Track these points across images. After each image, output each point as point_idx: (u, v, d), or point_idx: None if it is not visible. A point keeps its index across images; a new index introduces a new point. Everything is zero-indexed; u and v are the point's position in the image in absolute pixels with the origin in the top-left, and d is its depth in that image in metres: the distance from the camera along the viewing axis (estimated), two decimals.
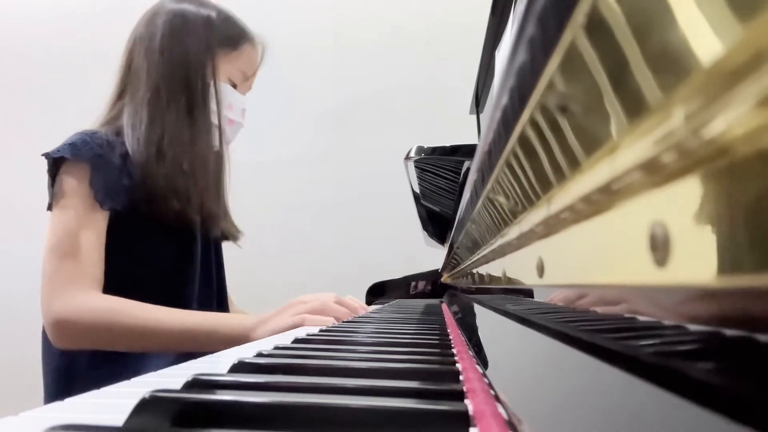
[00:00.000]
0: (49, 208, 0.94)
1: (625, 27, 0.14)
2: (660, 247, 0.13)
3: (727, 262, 0.10)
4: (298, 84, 2.03)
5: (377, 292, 1.54)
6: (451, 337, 0.57)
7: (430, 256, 1.56)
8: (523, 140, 0.26)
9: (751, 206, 0.10)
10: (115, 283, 0.92)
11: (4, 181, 2.06)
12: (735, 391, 0.12)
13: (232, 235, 1.15)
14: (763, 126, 0.09)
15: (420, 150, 1.10)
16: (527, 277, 0.31)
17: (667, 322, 0.15)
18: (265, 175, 2.00)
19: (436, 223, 1.38)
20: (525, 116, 0.25)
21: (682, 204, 0.12)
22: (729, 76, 0.10)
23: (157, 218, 0.97)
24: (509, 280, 0.39)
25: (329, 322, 0.83)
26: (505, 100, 0.28)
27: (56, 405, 0.29)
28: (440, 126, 1.80)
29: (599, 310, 0.21)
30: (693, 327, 0.13)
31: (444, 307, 1.12)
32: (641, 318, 0.17)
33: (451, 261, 1.09)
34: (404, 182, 1.26)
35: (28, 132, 2.09)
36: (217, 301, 1.12)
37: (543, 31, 0.20)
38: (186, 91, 1.00)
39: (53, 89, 2.09)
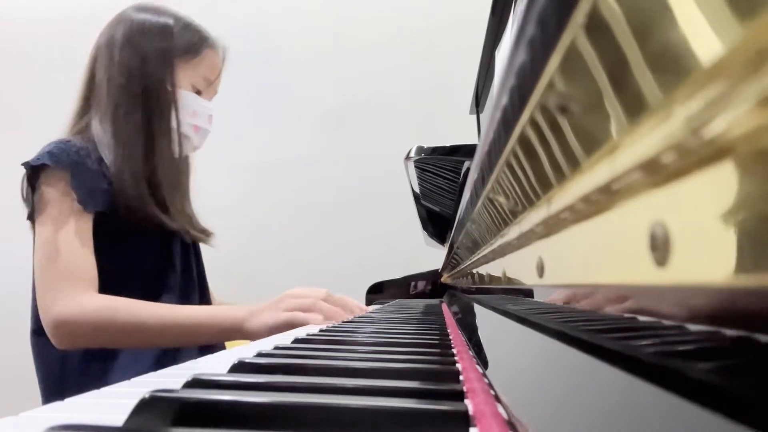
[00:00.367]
0: (30, 216, 0.97)
1: (625, 27, 0.14)
2: (660, 247, 0.13)
3: (727, 262, 0.10)
4: (298, 84, 2.03)
5: (377, 292, 1.54)
6: (451, 337, 0.57)
7: (430, 256, 1.56)
8: (523, 140, 0.26)
9: (751, 206, 0.10)
10: (99, 284, 0.94)
11: (4, 181, 2.06)
12: (735, 391, 0.12)
13: (201, 239, 1.14)
14: (763, 126, 0.09)
15: (420, 150, 1.10)
16: (527, 277, 0.31)
17: (667, 322, 0.15)
18: (265, 176, 2.00)
19: (436, 223, 1.38)
20: (525, 116, 0.25)
21: (682, 204, 0.12)
22: (729, 76, 0.10)
23: (132, 222, 0.99)
24: (509, 280, 0.39)
25: (318, 320, 0.83)
26: (505, 100, 0.28)
27: (56, 405, 0.29)
28: (440, 126, 1.80)
29: (599, 310, 0.21)
30: (693, 327, 0.13)
31: (444, 307, 1.12)
32: (641, 318, 0.17)
33: (451, 261, 1.09)
34: (404, 182, 1.26)
35: (28, 132, 2.09)
36: (199, 302, 1.13)
37: (543, 31, 0.20)
38: (143, 101, 1.01)
39: (53, 89, 2.09)
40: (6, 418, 0.25)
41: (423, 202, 1.33)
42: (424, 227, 1.44)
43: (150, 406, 0.24)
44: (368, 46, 2.02)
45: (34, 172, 0.95)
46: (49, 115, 2.04)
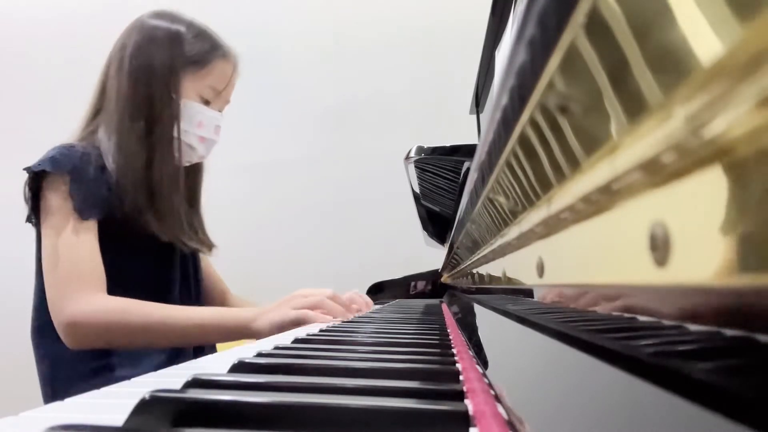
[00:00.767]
0: (29, 220, 0.98)
1: (625, 27, 0.14)
2: (660, 247, 0.13)
3: (727, 262, 0.10)
4: (298, 84, 2.03)
5: (377, 292, 1.54)
6: (451, 337, 0.57)
7: (430, 256, 1.56)
8: (523, 140, 0.26)
9: (751, 206, 0.10)
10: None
11: (4, 181, 2.06)
12: (735, 391, 0.12)
13: (199, 250, 1.14)
14: (763, 126, 0.09)
15: (420, 150, 1.10)
16: (527, 277, 0.31)
17: (667, 322, 0.15)
18: (265, 176, 2.00)
19: (436, 223, 1.38)
20: (525, 116, 0.25)
21: (682, 204, 0.12)
22: (729, 76, 0.10)
23: (133, 230, 0.99)
24: (509, 280, 0.39)
25: (327, 319, 0.86)
26: (505, 100, 0.28)
27: (56, 405, 0.29)
28: (440, 126, 1.80)
29: (599, 310, 0.21)
30: (693, 327, 0.13)
31: (444, 307, 1.12)
32: (641, 318, 0.17)
33: (451, 261, 1.09)
34: (404, 182, 1.26)
35: (28, 132, 2.09)
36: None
37: (543, 31, 0.20)
38: (146, 110, 1.01)
39: (54, 89, 2.09)
40: (6, 418, 0.25)
41: (423, 202, 1.33)
42: (424, 227, 1.44)
43: (150, 406, 0.24)
44: (368, 46, 2.02)
45: (37, 177, 0.95)
46: (49, 117, 2.04)
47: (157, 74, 1.02)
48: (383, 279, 1.57)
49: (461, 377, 0.33)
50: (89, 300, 0.90)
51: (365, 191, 1.95)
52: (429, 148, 1.09)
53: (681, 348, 0.14)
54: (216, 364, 0.45)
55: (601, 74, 0.16)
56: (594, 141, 0.18)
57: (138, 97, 1.01)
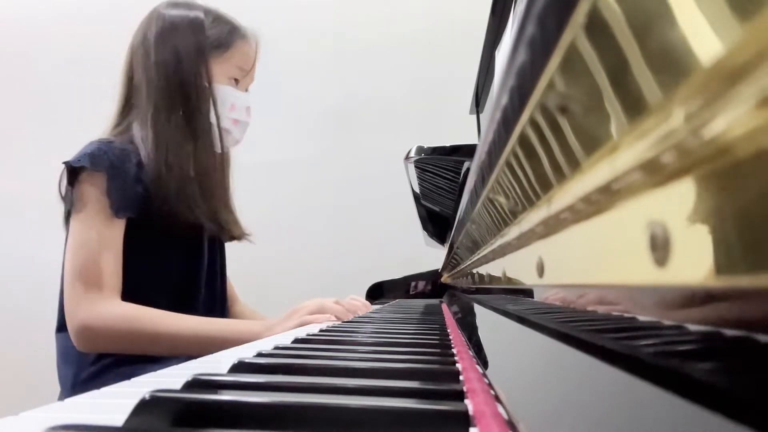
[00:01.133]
0: (68, 215, 0.97)
1: (625, 27, 0.14)
2: (660, 247, 0.13)
3: (727, 262, 0.10)
4: (298, 84, 2.03)
5: (377, 292, 1.54)
6: (451, 337, 0.57)
7: (430, 256, 1.56)
8: (523, 140, 0.26)
9: (751, 206, 0.10)
10: (132, 288, 0.96)
11: (5, 181, 2.06)
12: (735, 391, 0.12)
13: (241, 235, 1.16)
14: (763, 126, 0.09)
15: (420, 150, 1.10)
16: (527, 277, 0.31)
17: (667, 322, 0.15)
18: (265, 176, 2.00)
19: (436, 223, 1.38)
20: (525, 116, 0.25)
21: (681, 204, 0.12)
22: (729, 76, 0.10)
23: (170, 226, 1.00)
24: (509, 280, 0.39)
25: (325, 318, 0.89)
26: (505, 100, 0.28)
27: (56, 405, 0.29)
28: (440, 126, 1.80)
29: (599, 310, 0.21)
30: (693, 327, 0.13)
31: (444, 307, 1.12)
32: (641, 318, 0.17)
33: (451, 261, 1.09)
34: (404, 182, 1.26)
35: (28, 132, 2.09)
36: (220, 300, 1.14)
37: (543, 31, 0.20)
38: (182, 100, 1.01)
39: (54, 89, 2.09)
40: (6, 418, 0.25)
41: (423, 202, 1.32)
42: (424, 227, 1.44)
43: (150, 406, 0.24)
44: (368, 46, 2.02)
45: (73, 171, 0.95)
46: (50, 115, 2.04)
47: (186, 62, 1.02)
48: (383, 279, 1.57)
49: (461, 377, 0.33)
50: (103, 305, 0.90)
51: (365, 191, 1.95)
52: (429, 148, 1.09)
53: (681, 348, 0.14)
54: (216, 364, 0.45)
55: (601, 74, 0.16)
56: (594, 141, 0.18)
57: (170, 88, 1.01)
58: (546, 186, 0.24)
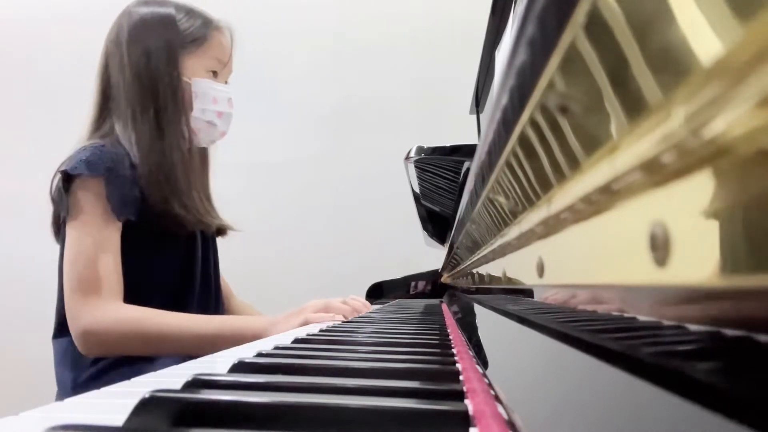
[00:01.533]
0: (63, 221, 0.97)
1: (625, 27, 0.14)
2: (660, 247, 0.13)
3: (727, 262, 0.10)
4: (298, 84, 2.03)
5: (377, 292, 1.54)
6: (451, 337, 0.57)
7: (430, 256, 1.56)
8: (523, 140, 0.26)
9: (751, 206, 0.10)
10: (131, 289, 0.96)
11: (5, 181, 2.06)
12: (735, 391, 0.12)
13: (223, 229, 1.17)
14: (763, 126, 0.09)
15: (420, 150, 1.10)
16: (527, 277, 0.31)
17: (667, 322, 0.15)
18: (266, 176, 2.00)
19: (436, 223, 1.38)
20: (525, 116, 0.25)
21: (682, 204, 0.12)
22: (729, 76, 0.10)
23: (164, 225, 1.00)
24: (509, 280, 0.39)
25: (329, 318, 0.89)
26: (505, 100, 0.28)
27: (56, 405, 0.29)
28: (440, 126, 1.80)
29: (599, 310, 0.21)
30: (693, 327, 0.13)
31: (444, 307, 1.12)
32: (641, 318, 0.17)
33: (451, 261, 1.09)
34: (404, 182, 1.26)
35: (28, 132, 2.09)
36: (215, 296, 1.14)
37: (543, 31, 0.20)
38: (152, 99, 1.01)
39: (54, 89, 2.09)
40: (6, 418, 0.25)
41: (423, 202, 1.32)
42: (424, 227, 1.44)
43: (150, 406, 0.24)
44: (368, 46, 2.02)
45: (67, 179, 0.95)
46: (50, 115, 2.04)
47: (157, 60, 1.02)
48: (383, 279, 1.57)
49: (461, 377, 0.33)
50: (104, 309, 0.91)
51: (365, 191, 1.95)
52: (429, 148, 1.09)
53: (681, 348, 0.14)
54: (216, 364, 0.45)
55: (601, 74, 0.16)
56: (594, 141, 0.18)
57: (144, 89, 1.01)
58: (546, 186, 0.24)
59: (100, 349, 0.92)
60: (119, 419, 0.23)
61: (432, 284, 1.56)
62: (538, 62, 0.21)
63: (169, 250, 1.04)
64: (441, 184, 1.18)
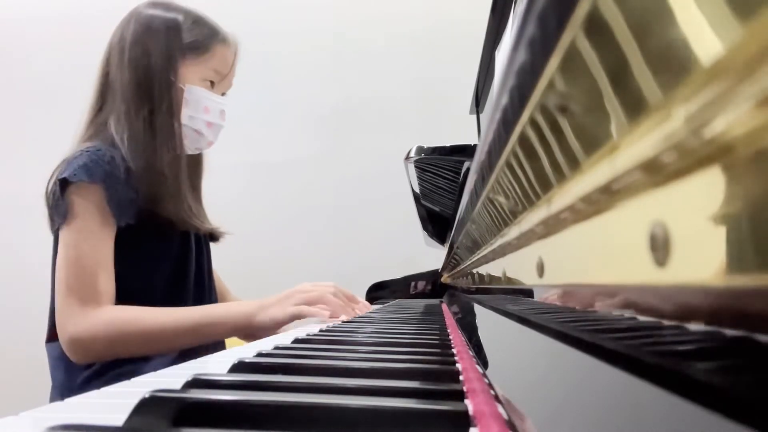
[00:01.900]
0: (58, 226, 0.96)
1: (625, 27, 0.14)
2: (660, 247, 0.13)
3: (727, 262, 0.10)
4: (299, 84, 2.03)
5: (377, 292, 1.54)
6: (451, 337, 0.57)
7: (430, 256, 1.56)
8: (523, 140, 0.26)
9: (751, 206, 0.10)
10: (125, 292, 0.95)
11: (5, 181, 2.06)
12: (735, 391, 0.12)
13: (214, 235, 1.17)
14: (763, 126, 0.09)
15: (420, 150, 1.10)
16: (527, 277, 0.31)
17: (667, 322, 0.15)
18: (265, 176, 2.00)
19: (436, 223, 1.38)
20: (525, 116, 0.25)
21: (682, 204, 0.12)
22: (729, 76, 0.10)
23: (158, 225, 1.00)
24: (509, 280, 0.39)
25: (325, 314, 0.88)
26: (505, 100, 0.28)
27: (56, 405, 0.29)
28: (440, 126, 1.80)
29: (599, 310, 0.21)
30: (693, 327, 0.13)
31: (444, 307, 1.12)
32: (641, 318, 0.17)
33: (451, 261, 1.09)
34: (404, 182, 1.26)
35: (28, 132, 2.09)
36: (209, 296, 1.14)
37: (543, 31, 0.20)
38: (150, 100, 1.02)
39: (54, 89, 2.09)
40: (6, 418, 0.25)
41: (423, 202, 1.33)
42: (424, 227, 1.44)
43: (150, 406, 0.24)
44: (368, 46, 2.02)
45: (63, 184, 0.95)
46: (50, 115, 2.04)
47: (156, 62, 1.02)
48: (383, 279, 1.57)
49: (461, 377, 0.33)
50: (92, 315, 0.90)
51: (365, 191, 1.95)
52: (429, 148, 1.10)
53: (681, 348, 0.14)
54: (216, 364, 0.45)
55: (601, 74, 0.16)
56: (594, 141, 0.18)
57: (140, 88, 1.01)
58: (546, 186, 0.24)
59: (88, 355, 0.91)
60: (119, 419, 0.23)
61: (432, 284, 1.56)
62: (538, 62, 0.21)
63: (163, 249, 1.04)
64: (441, 184, 1.18)
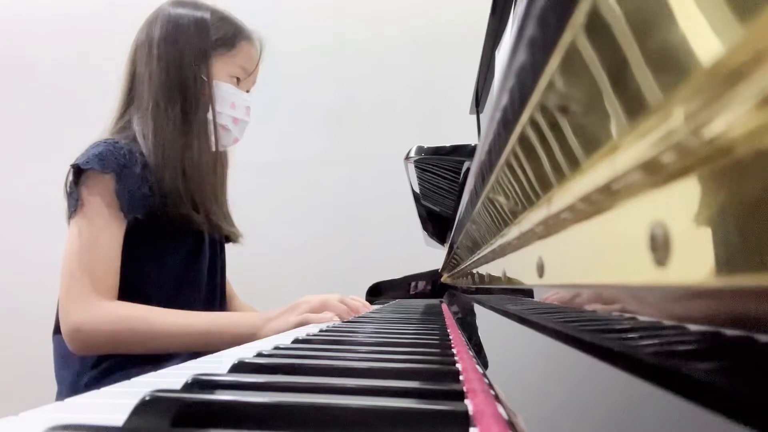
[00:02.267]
0: (70, 215, 0.97)
1: (625, 27, 0.14)
2: (660, 247, 0.13)
3: (727, 262, 0.10)
4: (298, 84, 2.03)
5: (377, 292, 1.54)
6: (451, 337, 0.57)
7: (430, 256, 1.56)
8: (523, 140, 0.26)
9: (751, 206, 0.10)
10: (131, 287, 0.96)
11: (5, 181, 2.06)
12: (735, 391, 0.12)
13: (232, 236, 1.17)
14: (763, 126, 0.09)
15: (420, 150, 1.10)
16: (527, 277, 0.31)
17: (667, 322, 0.15)
18: (265, 176, 2.00)
19: (436, 223, 1.38)
20: (525, 116, 0.25)
21: (681, 204, 0.12)
22: (729, 76, 0.10)
23: (172, 224, 1.00)
24: (509, 280, 0.39)
25: (330, 319, 0.89)
26: (505, 100, 0.28)
27: (56, 405, 0.29)
28: (440, 126, 1.80)
29: (599, 310, 0.21)
30: (693, 327, 0.13)
31: (444, 307, 1.12)
32: (641, 318, 0.17)
33: (451, 261, 1.09)
34: (404, 182, 1.26)
35: (28, 131, 2.09)
36: (219, 298, 1.14)
37: (543, 31, 0.20)
38: (181, 96, 1.02)
39: (54, 89, 2.09)
40: (6, 418, 0.25)
41: (423, 202, 1.32)
42: (424, 227, 1.44)
43: (150, 406, 0.24)
44: (368, 46, 2.02)
45: (77, 173, 0.95)
46: (50, 115, 2.04)
47: (188, 60, 1.03)
48: (383, 279, 1.57)
49: (461, 377, 0.33)
50: (96, 307, 0.90)
51: (365, 191, 1.95)
52: (429, 148, 1.10)
53: (681, 348, 0.14)
54: (216, 364, 0.45)
55: (601, 74, 0.16)
56: (594, 141, 0.18)
57: (172, 85, 1.02)
58: (546, 186, 0.24)
59: (89, 347, 0.91)
60: (119, 419, 0.23)
61: (432, 284, 1.56)
62: (538, 62, 0.21)
63: (176, 248, 1.04)
64: (441, 184, 1.18)
